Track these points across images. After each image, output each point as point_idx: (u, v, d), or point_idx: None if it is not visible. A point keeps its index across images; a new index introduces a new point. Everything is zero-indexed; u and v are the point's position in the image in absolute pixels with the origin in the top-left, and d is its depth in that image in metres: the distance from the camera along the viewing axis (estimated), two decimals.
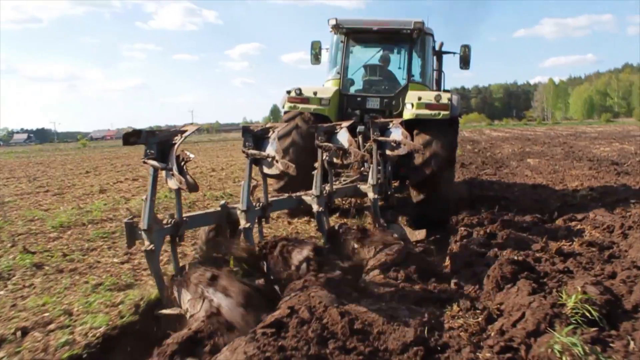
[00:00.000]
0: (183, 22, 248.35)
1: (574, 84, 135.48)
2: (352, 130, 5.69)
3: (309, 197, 5.03)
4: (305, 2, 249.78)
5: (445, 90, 8.50)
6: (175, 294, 3.43)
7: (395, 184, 7.21)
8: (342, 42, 7.96)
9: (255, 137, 4.34)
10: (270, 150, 4.24)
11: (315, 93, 7.30)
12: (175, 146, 3.25)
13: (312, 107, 7.23)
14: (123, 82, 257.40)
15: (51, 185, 13.78)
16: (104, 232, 6.71)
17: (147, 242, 3.34)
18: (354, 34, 8.01)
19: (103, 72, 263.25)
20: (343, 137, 5.19)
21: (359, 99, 7.79)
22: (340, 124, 5.37)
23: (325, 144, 5.10)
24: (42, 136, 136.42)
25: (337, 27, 7.77)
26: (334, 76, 8.03)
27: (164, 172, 3.29)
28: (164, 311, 3.40)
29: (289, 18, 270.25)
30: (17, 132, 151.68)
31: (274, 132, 4.38)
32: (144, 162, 3.23)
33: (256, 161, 4.28)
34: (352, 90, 8.10)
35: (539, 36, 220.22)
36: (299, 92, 7.28)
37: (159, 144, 3.26)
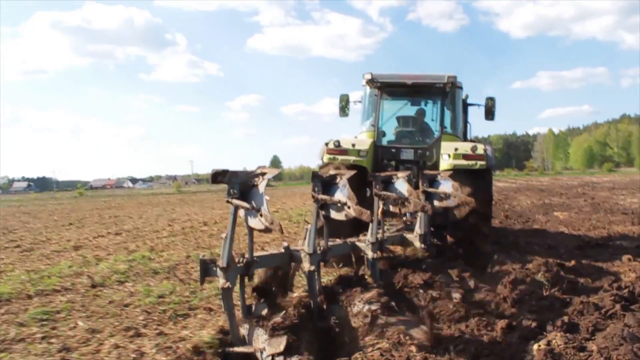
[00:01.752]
0: (185, 74, 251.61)
1: (573, 135, 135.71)
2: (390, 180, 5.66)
3: (363, 244, 5.13)
4: (304, 55, 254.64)
5: (472, 140, 8.72)
6: (244, 332, 3.52)
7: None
8: (375, 95, 8.09)
9: (323, 183, 4.45)
10: (341, 196, 4.29)
11: (353, 145, 7.39)
12: (260, 187, 3.36)
13: (351, 158, 7.30)
14: (125, 133, 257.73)
15: (25, 239, 12.36)
16: (48, 310, 5.14)
17: (222, 280, 3.37)
18: (388, 88, 8.20)
19: (106, 122, 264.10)
20: (402, 186, 5.28)
21: (393, 150, 7.91)
22: (397, 174, 5.45)
23: (384, 192, 5.22)
24: (42, 184, 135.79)
25: (372, 82, 7.98)
26: (368, 128, 8.11)
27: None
28: (236, 349, 3.44)
29: (288, 70, 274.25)
30: (18, 180, 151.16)
31: (342, 178, 4.45)
32: (228, 202, 3.33)
33: (323, 206, 4.41)
34: (385, 141, 8.26)
35: (536, 88, 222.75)
36: (338, 144, 7.36)
37: (241, 184, 3.38)
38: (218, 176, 3.26)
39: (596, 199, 18.32)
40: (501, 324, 3.86)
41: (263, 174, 3.42)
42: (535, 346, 3.33)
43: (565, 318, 3.87)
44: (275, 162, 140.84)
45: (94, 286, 6.36)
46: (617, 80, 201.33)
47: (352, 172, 5.67)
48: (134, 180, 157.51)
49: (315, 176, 4.44)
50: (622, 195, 19.58)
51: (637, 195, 19.33)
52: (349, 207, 4.12)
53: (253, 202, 3.30)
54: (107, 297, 5.76)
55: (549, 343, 3.33)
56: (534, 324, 3.82)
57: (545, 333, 3.71)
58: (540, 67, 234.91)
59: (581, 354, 3.11)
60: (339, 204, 4.23)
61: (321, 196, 4.31)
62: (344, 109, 8.91)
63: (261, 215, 3.21)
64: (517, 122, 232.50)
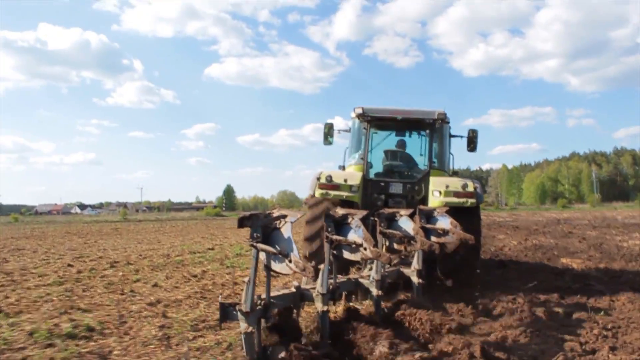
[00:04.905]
0: (140, 100, 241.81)
1: (525, 171, 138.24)
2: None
3: (367, 281, 5.19)
4: (262, 85, 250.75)
5: (454, 173, 8.63)
6: None
7: None
8: (364, 129, 8.09)
9: (336, 222, 4.56)
10: (355, 236, 4.35)
11: (345, 180, 7.31)
12: (285, 231, 3.41)
13: (343, 194, 7.24)
14: (76, 157, 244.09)
15: None
16: None
17: (245, 325, 3.39)
18: (377, 121, 8.21)
19: (56, 146, 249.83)
20: (407, 224, 5.47)
21: (382, 184, 7.84)
22: (400, 212, 5.68)
23: (389, 230, 5.48)
24: None
25: (362, 115, 7.99)
26: (357, 161, 8.10)
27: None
28: None
29: (245, 100, 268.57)
30: None
31: (354, 219, 4.48)
32: (252, 246, 3.39)
33: (336, 246, 4.53)
34: (374, 175, 8.20)
35: (487, 125, 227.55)
36: (330, 179, 7.28)
37: (263, 227, 3.44)
38: (245, 221, 3.33)
39: (589, 239, 15.96)
40: None
41: (284, 216, 3.50)
42: None
43: None
44: (229, 191, 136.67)
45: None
46: (563, 120, 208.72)
47: (364, 213, 4.90)
48: (82, 207, 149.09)
49: (328, 216, 4.54)
50: (617, 235, 17.29)
51: (632, 235, 17.15)
52: (364, 249, 4.12)
53: (278, 246, 3.38)
54: None
55: None
56: None
57: None
58: (491, 105, 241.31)
59: None
60: (354, 245, 4.25)
61: (335, 237, 4.41)
62: (327, 137, 8.74)
63: (290, 261, 3.26)
64: (470, 158, 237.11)
